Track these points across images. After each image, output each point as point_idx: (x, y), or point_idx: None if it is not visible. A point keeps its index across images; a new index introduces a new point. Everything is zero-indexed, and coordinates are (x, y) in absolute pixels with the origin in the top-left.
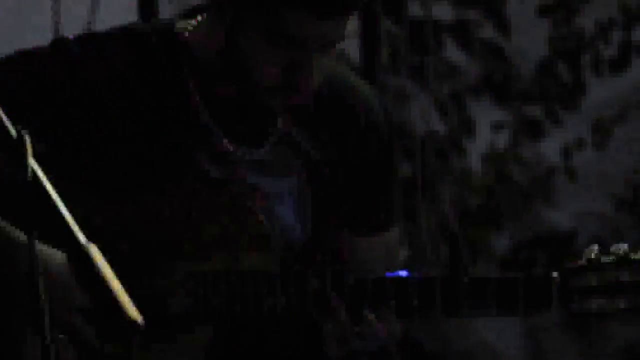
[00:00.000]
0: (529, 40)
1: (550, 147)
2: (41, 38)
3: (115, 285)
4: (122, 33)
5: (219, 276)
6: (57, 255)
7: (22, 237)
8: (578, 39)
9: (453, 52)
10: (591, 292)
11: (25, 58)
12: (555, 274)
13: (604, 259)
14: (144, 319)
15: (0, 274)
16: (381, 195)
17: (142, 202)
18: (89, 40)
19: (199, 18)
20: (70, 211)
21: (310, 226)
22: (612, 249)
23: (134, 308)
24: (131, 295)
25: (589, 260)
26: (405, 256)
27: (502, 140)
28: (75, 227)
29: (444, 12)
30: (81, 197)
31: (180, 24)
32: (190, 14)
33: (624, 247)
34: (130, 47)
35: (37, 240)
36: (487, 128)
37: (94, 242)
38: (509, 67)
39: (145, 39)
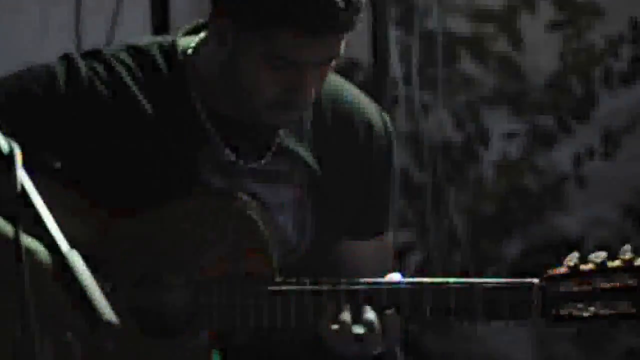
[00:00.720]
0: (541, 54)
1: (561, 156)
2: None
3: (95, 289)
4: (127, 50)
5: (220, 283)
6: None
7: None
8: (588, 53)
9: (469, 65)
10: (570, 298)
11: (34, 74)
12: (536, 281)
13: (583, 267)
14: (146, 323)
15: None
16: (378, 204)
17: (147, 213)
18: (95, 57)
19: (202, 36)
20: (77, 222)
21: (309, 234)
22: (591, 257)
23: (111, 311)
24: (134, 301)
25: (569, 267)
26: (417, 262)
27: (516, 149)
28: (59, 236)
29: (460, 26)
30: (88, 208)
31: (182, 41)
32: (193, 31)
33: (603, 255)
34: (134, 63)
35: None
36: (501, 137)
37: (99, 251)
38: (522, 79)
39: (149, 55)
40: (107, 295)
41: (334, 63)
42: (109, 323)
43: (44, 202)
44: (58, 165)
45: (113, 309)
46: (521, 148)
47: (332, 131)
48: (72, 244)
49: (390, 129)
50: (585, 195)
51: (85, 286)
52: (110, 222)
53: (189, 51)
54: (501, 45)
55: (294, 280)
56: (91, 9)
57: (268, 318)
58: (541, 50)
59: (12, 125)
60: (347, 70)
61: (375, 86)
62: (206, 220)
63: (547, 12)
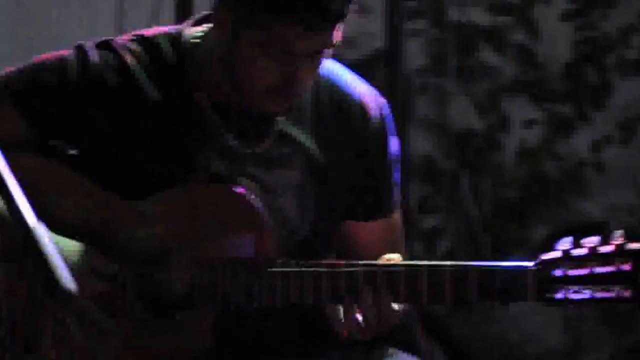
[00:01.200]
0: (557, 43)
1: (580, 143)
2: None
3: (57, 261)
4: (137, 40)
5: (222, 265)
6: (71, 242)
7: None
8: (601, 42)
9: (488, 54)
10: (564, 282)
11: (48, 63)
12: (530, 265)
13: (576, 252)
14: (149, 301)
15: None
16: (377, 185)
17: (151, 196)
18: (107, 46)
19: (205, 27)
20: (86, 205)
21: (311, 217)
22: (584, 241)
23: (71, 281)
24: (139, 280)
25: (563, 252)
26: (446, 247)
27: (535, 136)
28: (26, 211)
29: (480, 17)
30: (96, 192)
31: (189, 31)
32: (201, 22)
33: (595, 240)
34: (143, 53)
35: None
36: (521, 125)
37: (106, 232)
38: (540, 68)
39: (156, 45)
40: (113, 274)
41: (330, 51)
42: (66, 290)
43: (53, 186)
44: (72, 152)
45: (118, 289)
46: (541, 135)
47: (329, 115)
48: (80, 226)
49: (386, 112)
50: (603, 181)
51: (47, 257)
52: (116, 205)
53: (194, 41)
54: (518, 35)
55: (294, 262)
56: (133, 5)
57: (268, 299)
58: (556, 40)
59: (27, 112)
60: (374, 60)
61: (390, 75)
62: (208, 204)
63: (561, 2)
